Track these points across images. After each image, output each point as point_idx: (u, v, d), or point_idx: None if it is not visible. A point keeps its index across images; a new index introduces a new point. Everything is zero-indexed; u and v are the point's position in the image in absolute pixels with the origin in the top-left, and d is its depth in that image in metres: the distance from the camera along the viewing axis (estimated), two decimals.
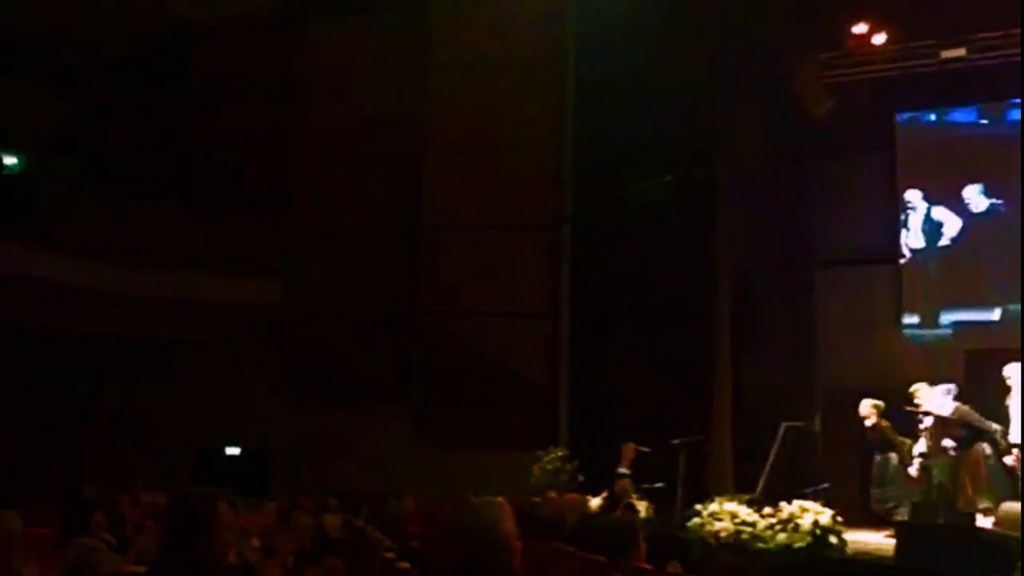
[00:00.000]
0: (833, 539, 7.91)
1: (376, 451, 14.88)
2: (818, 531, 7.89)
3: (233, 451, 16.66)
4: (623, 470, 8.00)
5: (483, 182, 15.29)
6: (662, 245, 12.79)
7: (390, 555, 4.30)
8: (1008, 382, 8.89)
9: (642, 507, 8.28)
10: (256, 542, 4.98)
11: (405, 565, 4.23)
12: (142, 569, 4.66)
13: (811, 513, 8.02)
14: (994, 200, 12.30)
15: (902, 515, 9.24)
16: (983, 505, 8.63)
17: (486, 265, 15.07)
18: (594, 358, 14.14)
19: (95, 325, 15.70)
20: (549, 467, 11.42)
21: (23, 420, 15.57)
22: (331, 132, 16.48)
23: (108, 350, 15.96)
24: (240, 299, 16.09)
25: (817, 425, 12.15)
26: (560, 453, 11.91)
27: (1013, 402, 8.72)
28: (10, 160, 18.34)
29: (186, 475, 14.21)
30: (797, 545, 7.90)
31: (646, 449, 9.02)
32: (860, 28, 12.03)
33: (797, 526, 7.95)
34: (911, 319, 12.78)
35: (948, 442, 9.05)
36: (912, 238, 12.85)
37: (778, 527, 8.01)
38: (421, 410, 15.44)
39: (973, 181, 12.46)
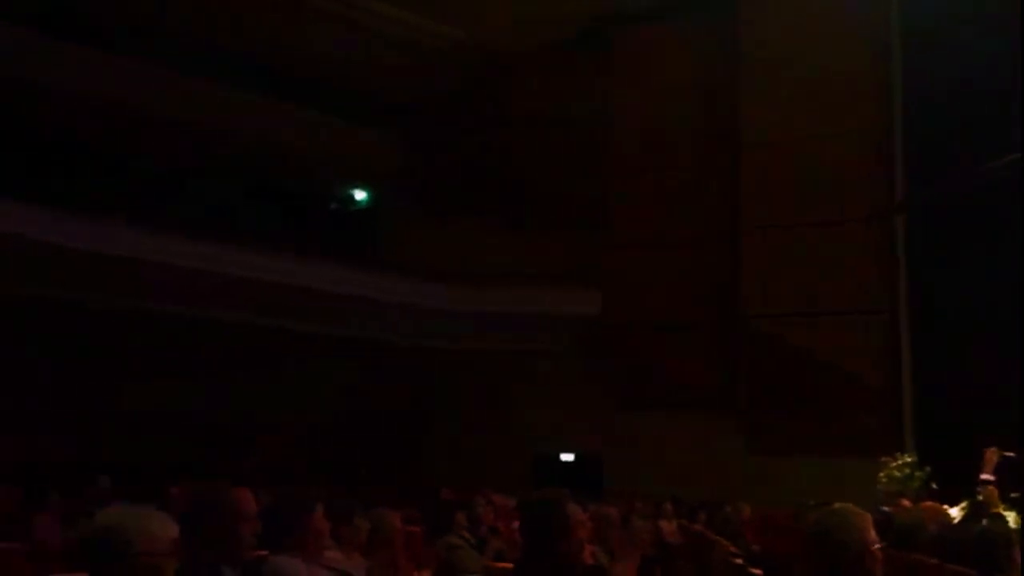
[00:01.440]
0: None
1: (705, 457, 14.76)
2: None
3: (567, 457, 17.27)
4: (987, 476, 7.30)
5: (803, 177, 14.71)
6: (1008, 231, 11.57)
7: (739, 560, 4.25)
8: None
9: (1011, 517, 7.50)
10: (592, 548, 5.13)
11: (758, 572, 4.16)
12: (501, 566, 4.98)
13: None
14: None
15: None
16: None
17: (811, 262, 14.48)
18: (937, 355, 13.09)
19: (432, 340, 16.97)
20: (897, 474, 10.68)
21: (378, 429, 17.21)
22: (642, 141, 16.68)
23: (447, 364, 17.20)
24: (567, 310, 16.69)
25: None
26: (908, 459, 11.11)
27: None
28: (360, 195, 20.45)
29: (525, 479, 14.90)
30: None
31: (1011, 454, 8.17)
32: None
33: None
34: None
35: None
36: None
37: None
38: (749, 415, 15.10)
39: None
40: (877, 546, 2.58)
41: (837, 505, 2.59)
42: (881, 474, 10.83)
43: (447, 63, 17.86)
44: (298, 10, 16.19)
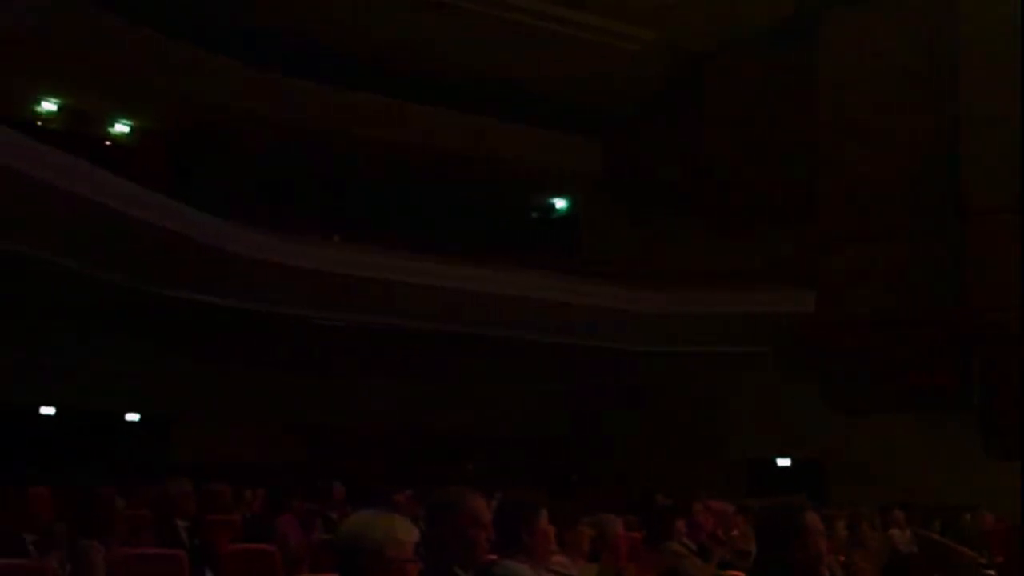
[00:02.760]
0: None
1: (935, 460, 13.87)
2: None
3: (784, 462, 16.69)
4: None
5: None
6: None
7: (991, 572, 3.95)
8: None
9: None
10: (830, 558, 4.91)
11: None
12: (729, 575, 4.87)
13: None
14: None
15: None
16: None
17: None
18: None
19: (642, 344, 16.85)
20: None
21: (590, 435, 17.30)
22: (850, 130, 15.93)
23: (658, 369, 17.04)
24: (778, 309, 16.13)
25: None
26: None
27: None
28: (561, 203, 20.69)
29: (741, 485, 14.54)
30: None
31: None
32: None
33: None
34: None
35: None
36: None
37: None
38: (985, 417, 14.04)
39: None
40: None
41: None
42: None
43: (642, 65, 17.75)
44: (491, 25, 16.59)
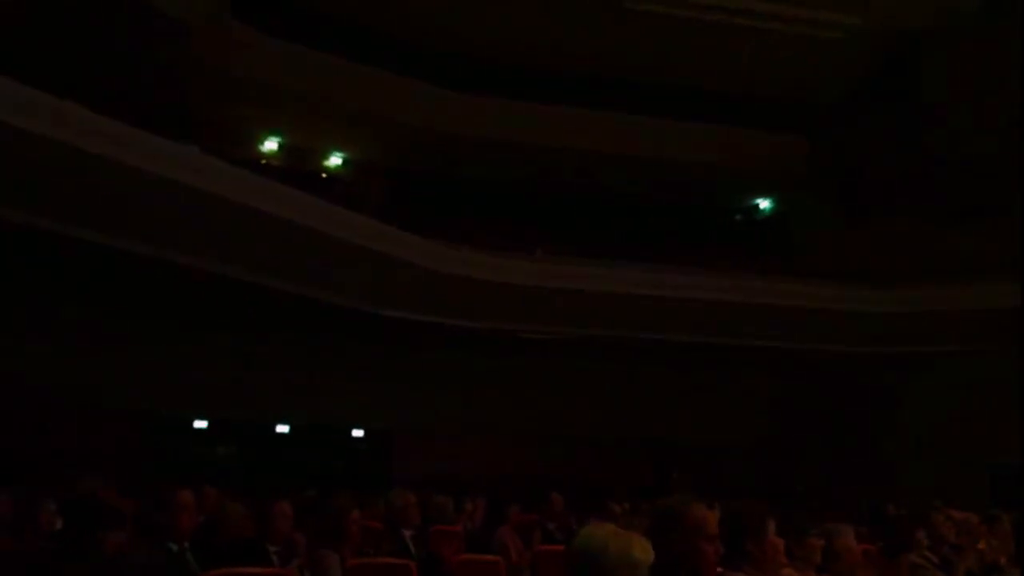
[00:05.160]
0: None
1: None
2: None
3: None
4: None
5: None
6: None
7: None
8: None
9: None
10: None
11: None
12: None
13: None
14: None
15: None
16: None
17: None
18: None
19: (855, 344, 15.99)
20: None
21: (812, 443, 16.60)
22: None
23: (881, 371, 16.16)
24: (1005, 305, 14.86)
25: None
26: None
27: None
28: (764, 204, 20.06)
29: (984, 493, 13.48)
30: None
31: None
32: None
33: None
34: None
35: None
36: None
37: None
38: None
39: None
40: None
41: None
42: None
43: (846, 54, 16.93)
44: (686, 27, 16.34)
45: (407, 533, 5.12)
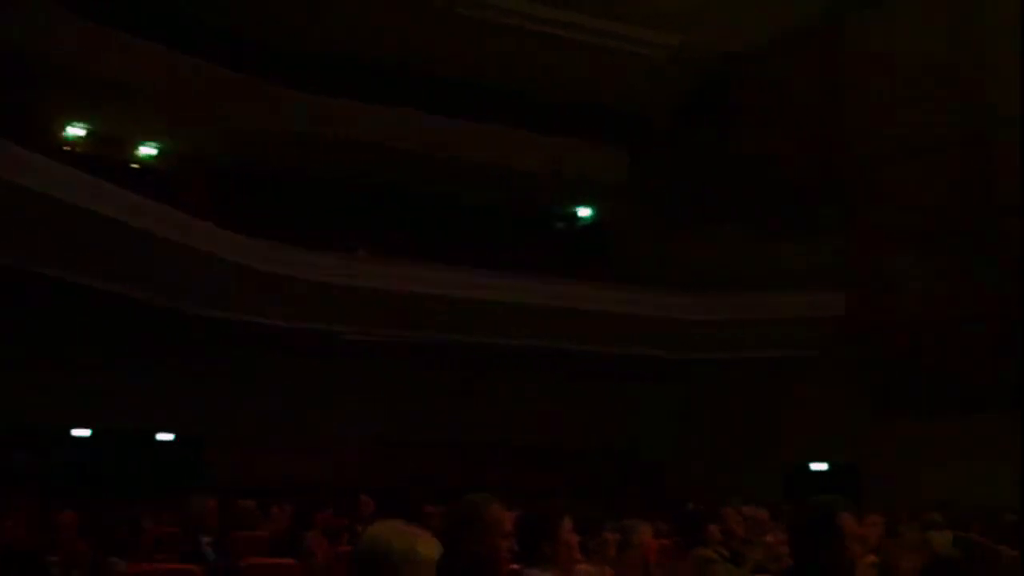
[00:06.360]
0: None
1: (977, 463, 13.59)
2: None
3: (819, 467, 16.47)
4: None
5: None
6: None
7: None
8: None
9: None
10: (872, 558, 4.78)
11: None
12: None
13: None
14: None
15: None
16: None
17: None
18: None
19: (672, 350, 16.69)
20: None
21: (624, 442, 17.15)
22: (880, 128, 15.74)
23: (693, 375, 16.89)
24: (814, 314, 15.93)
25: None
26: None
27: None
28: (585, 212, 20.61)
29: (778, 491, 14.33)
30: None
31: None
32: None
33: None
34: None
35: None
36: None
37: None
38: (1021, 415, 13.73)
39: None
40: None
41: None
42: None
43: (668, 71, 17.66)
44: (514, 36, 16.60)
45: (205, 539, 4.93)
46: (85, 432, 14.42)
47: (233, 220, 13.81)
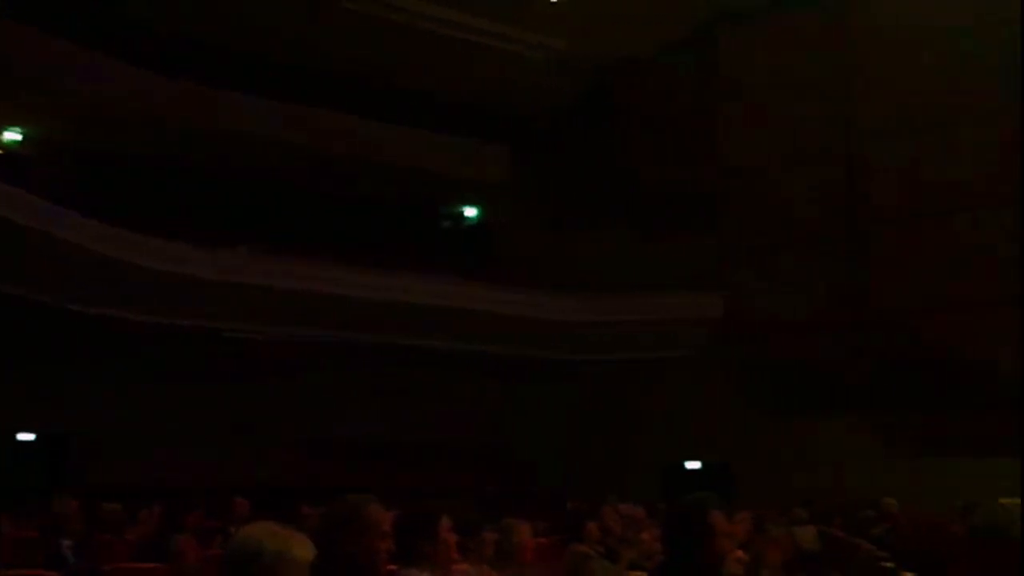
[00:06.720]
0: None
1: (841, 460, 14.23)
2: None
3: (693, 465, 16.93)
4: None
5: (930, 165, 14.11)
6: None
7: (890, 564, 4.03)
8: None
9: None
10: (740, 553, 4.95)
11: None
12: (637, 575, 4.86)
13: None
14: None
15: None
16: None
17: (942, 254, 13.84)
18: None
19: (555, 352, 16.87)
20: None
21: (502, 442, 17.21)
22: (755, 138, 16.32)
23: (572, 376, 17.08)
24: (690, 316, 16.37)
25: None
26: None
27: None
28: (470, 212, 20.63)
29: (655, 490, 14.65)
30: None
31: None
32: None
33: None
34: None
35: None
36: None
37: None
38: (886, 415, 14.46)
39: None
40: None
41: (1006, 501, 2.39)
42: None
43: (552, 74, 17.86)
44: (399, 33, 16.50)
45: (66, 543, 4.70)
46: None
47: (100, 209, 13.21)
